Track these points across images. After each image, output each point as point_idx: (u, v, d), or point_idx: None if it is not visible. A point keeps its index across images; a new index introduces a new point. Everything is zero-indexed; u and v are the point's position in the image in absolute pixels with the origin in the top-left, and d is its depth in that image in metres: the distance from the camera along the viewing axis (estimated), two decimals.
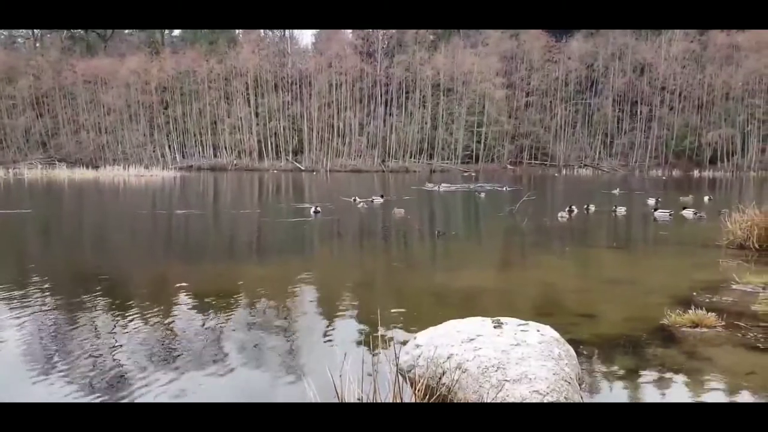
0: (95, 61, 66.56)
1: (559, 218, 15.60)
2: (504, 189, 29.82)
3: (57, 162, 59.67)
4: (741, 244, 10.15)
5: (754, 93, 61.03)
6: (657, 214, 16.54)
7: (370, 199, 20.67)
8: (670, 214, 16.20)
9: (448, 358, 3.79)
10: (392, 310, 6.08)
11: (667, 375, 4.37)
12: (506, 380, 3.51)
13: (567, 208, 16.57)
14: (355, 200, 20.15)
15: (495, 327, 4.15)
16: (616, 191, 28.56)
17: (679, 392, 4.10)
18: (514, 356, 3.69)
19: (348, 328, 5.60)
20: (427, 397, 3.44)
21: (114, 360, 4.61)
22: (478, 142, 65.44)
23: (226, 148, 65.64)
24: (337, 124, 66.23)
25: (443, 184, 32.32)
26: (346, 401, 3.35)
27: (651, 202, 20.03)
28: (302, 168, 63.48)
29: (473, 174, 53.02)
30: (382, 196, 21.48)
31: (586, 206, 17.74)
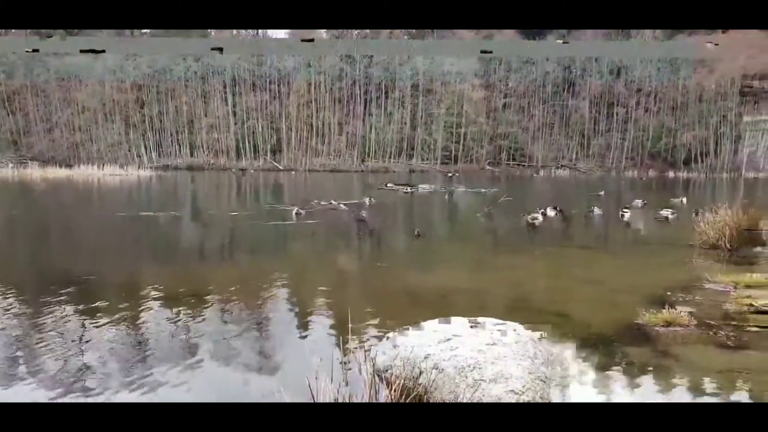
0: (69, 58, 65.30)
1: (531, 220, 15.68)
2: (484, 190, 29.91)
3: (29, 161, 58.49)
4: (713, 244, 10.34)
5: (726, 96, 62.39)
6: (622, 210, 16.80)
7: (354, 201, 20.55)
8: (657, 218, 16.42)
9: (425, 358, 3.78)
10: (369, 311, 6.05)
11: (641, 374, 4.42)
12: (482, 380, 3.52)
13: (540, 210, 16.66)
14: (331, 203, 19.94)
15: (472, 327, 4.16)
16: (602, 193, 28.72)
17: (652, 391, 4.14)
18: (491, 356, 3.70)
19: (324, 328, 5.57)
20: (404, 397, 3.42)
21: (79, 361, 4.52)
22: (457, 142, 65.85)
23: (203, 147, 65.00)
24: (316, 124, 66.02)
25: (422, 185, 32.28)
26: (321, 402, 3.32)
27: (638, 203, 20.27)
28: (280, 167, 63.15)
29: (456, 174, 53.24)
30: (371, 198, 21.38)
31: (555, 207, 17.76)
